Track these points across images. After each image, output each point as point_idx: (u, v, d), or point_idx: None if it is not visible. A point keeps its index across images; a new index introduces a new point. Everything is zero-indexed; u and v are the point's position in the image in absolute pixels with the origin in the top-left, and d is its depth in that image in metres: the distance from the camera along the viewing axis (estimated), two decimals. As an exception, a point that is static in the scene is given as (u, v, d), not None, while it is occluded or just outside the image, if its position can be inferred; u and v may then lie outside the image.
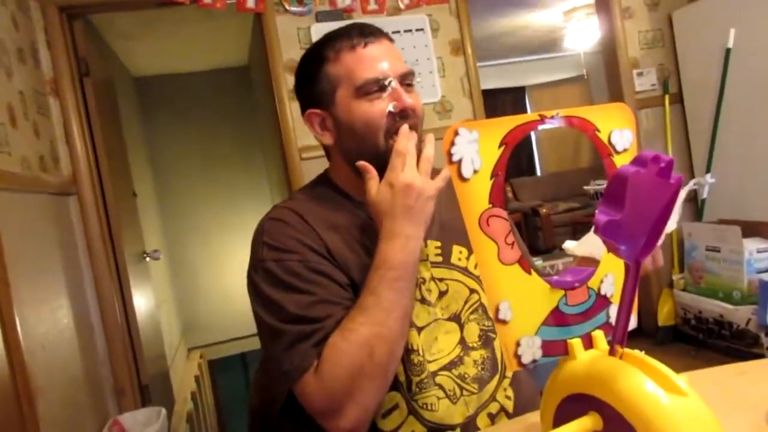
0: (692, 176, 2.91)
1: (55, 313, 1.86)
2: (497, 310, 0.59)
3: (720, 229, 2.60)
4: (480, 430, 0.83)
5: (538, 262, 2.88)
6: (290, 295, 0.77)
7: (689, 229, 2.78)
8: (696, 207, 2.94)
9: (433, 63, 2.69)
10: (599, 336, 0.61)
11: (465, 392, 0.84)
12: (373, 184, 0.80)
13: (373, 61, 0.84)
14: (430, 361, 0.84)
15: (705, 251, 2.67)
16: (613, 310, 0.65)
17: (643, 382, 0.49)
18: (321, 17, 2.55)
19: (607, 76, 3.08)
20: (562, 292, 0.62)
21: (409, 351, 0.81)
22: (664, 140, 2.96)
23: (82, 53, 2.36)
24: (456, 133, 0.58)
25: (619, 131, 0.65)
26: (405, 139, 0.79)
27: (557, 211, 5.69)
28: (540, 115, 0.60)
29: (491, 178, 0.59)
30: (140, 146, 4.07)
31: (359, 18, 2.58)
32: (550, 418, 0.59)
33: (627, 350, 0.53)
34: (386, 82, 0.83)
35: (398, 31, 2.63)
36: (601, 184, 4.77)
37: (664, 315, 2.88)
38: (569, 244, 0.85)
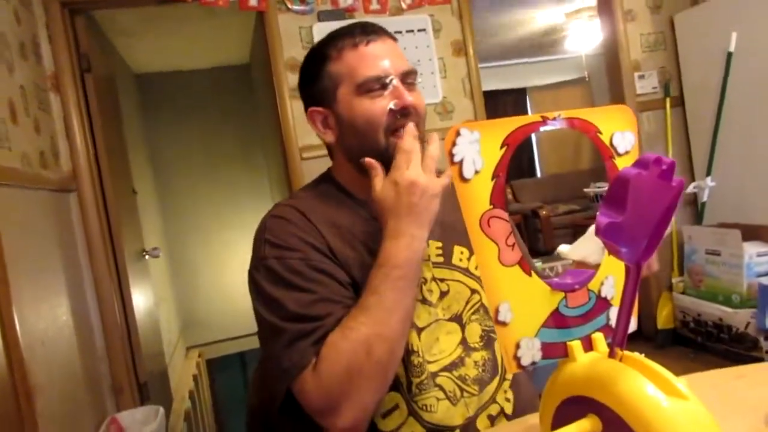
0: (693, 179, 2.91)
1: (54, 310, 1.86)
2: (497, 312, 0.59)
3: (720, 232, 2.60)
4: (479, 432, 0.83)
5: (538, 264, 2.88)
6: (291, 293, 0.77)
7: (689, 232, 2.78)
8: (696, 210, 2.94)
9: (434, 63, 2.69)
10: (599, 338, 0.61)
11: (465, 394, 0.84)
12: (378, 181, 0.79)
13: (375, 59, 0.84)
14: (430, 362, 0.84)
15: (705, 254, 2.67)
16: (613, 313, 0.65)
17: (643, 384, 0.49)
18: (323, 16, 2.55)
19: (609, 79, 3.08)
20: (563, 294, 0.62)
21: (409, 352, 0.81)
22: (665, 143, 2.96)
23: (83, 49, 2.36)
24: (458, 134, 0.57)
25: (621, 133, 0.65)
26: (410, 137, 0.78)
27: (557, 213, 5.69)
28: (542, 117, 0.60)
29: (492, 179, 0.59)
30: (141, 143, 4.07)
31: (361, 18, 2.58)
32: (549, 420, 0.59)
33: (627, 353, 0.53)
34: (387, 80, 0.83)
35: (400, 32, 2.63)
36: (601, 187, 4.77)
37: (664, 318, 2.88)
38: (563, 248, 0.85)
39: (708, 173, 2.80)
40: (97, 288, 2.26)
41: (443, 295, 0.88)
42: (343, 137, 0.88)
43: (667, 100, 2.95)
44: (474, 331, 0.89)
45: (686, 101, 2.96)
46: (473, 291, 0.90)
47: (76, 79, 2.29)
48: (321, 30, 2.50)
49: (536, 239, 5.52)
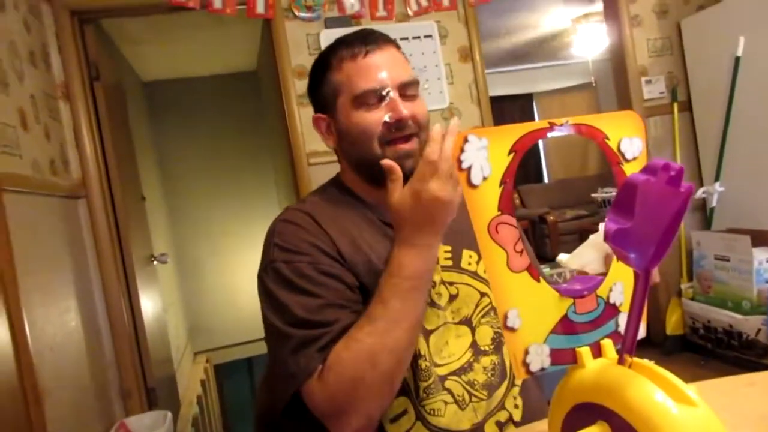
0: (701, 185, 2.89)
1: (63, 315, 1.87)
2: (506, 318, 0.59)
3: (729, 238, 2.59)
4: (487, 438, 0.83)
5: (546, 269, 2.87)
6: (299, 297, 0.77)
7: (698, 237, 2.77)
8: (705, 216, 2.93)
9: (441, 69, 2.69)
10: (608, 345, 0.60)
11: (474, 398, 0.84)
12: (397, 188, 0.75)
13: (373, 70, 0.85)
14: (439, 365, 0.84)
15: (714, 260, 2.65)
16: (622, 319, 0.65)
17: (652, 391, 0.48)
18: (330, 23, 2.57)
19: (616, 84, 3.08)
20: (571, 300, 0.62)
21: (416, 356, 0.81)
22: (673, 148, 2.95)
23: (92, 57, 2.38)
24: (466, 140, 0.58)
25: (629, 139, 0.65)
26: (436, 145, 0.70)
27: (565, 218, 5.67)
28: (550, 123, 0.60)
29: (500, 186, 0.59)
30: (149, 150, 4.10)
31: (367, 24, 2.59)
32: (558, 427, 0.58)
33: (636, 359, 0.52)
34: (384, 93, 0.84)
35: (406, 38, 2.64)
36: (609, 192, 4.75)
37: (673, 324, 2.86)
38: (563, 257, 0.85)
39: (717, 178, 2.78)
40: (106, 293, 2.27)
41: (452, 298, 0.88)
42: (342, 144, 0.90)
43: (675, 105, 2.94)
44: (485, 334, 0.89)
45: (694, 106, 2.95)
46: (483, 294, 0.90)
47: (86, 87, 2.32)
48: (328, 37, 2.51)
49: (543, 245, 5.50)
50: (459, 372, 0.85)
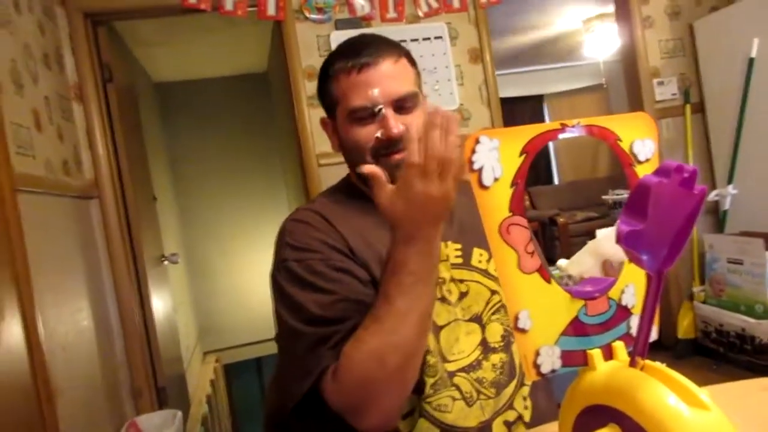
0: (714, 187, 2.87)
1: (75, 314, 1.88)
2: (517, 319, 0.59)
3: (742, 241, 2.56)
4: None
5: (555, 272, 2.86)
6: (311, 295, 0.78)
7: (711, 240, 2.74)
8: (718, 218, 2.90)
9: (451, 71, 2.69)
10: (620, 347, 0.60)
11: (482, 396, 0.84)
12: (383, 190, 0.69)
13: (365, 87, 0.84)
14: (449, 361, 0.84)
15: (726, 263, 2.62)
16: (634, 321, 0.64)
17: (664, 394, 0.48)
18: (340, 25, 2.57)
19: (627, 86, 3.06)
20: (582, 302, 0.62)
21: (424, 352, 0.81)
22: (685, 150, 2.93)
23: (105, 59, 2.40)
24: (477, 141, 0.58)
25: (641, 141, 0.64)
26: (414, 145, 0.65)
27: (575, 220, 5.64)
28: (561, 124, 0.60)
29: (511, 187, 0.59)
30: (160, 151, 4.13)
31: (378, 26, 2.60)
32: (569, 429, 0.58)
33: (648, 362, 0.52)
34: (376, 110, 0.84)
35: (417, 39, 2.64)
36: (619, 194, 4.72)
37: (684, 328, 2.83)
38: (562, 263, 0.85)
39: (730, 181, 2.76)
40: (118, 293, 2.29)
41: (462, 295, 0.89)
42: (342, 150, 0.93)
43: (687, 106, 2.91)
44: (495, 331, 0.89)
45: (707, 108, 2.93)
46: (493, 292, 0.91)
47: (99, 88, 2.34)
48: (338, 38, 2.52)
49: (553, 247, 5.47)
50: (468, 369, 0.85)
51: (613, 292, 0.64)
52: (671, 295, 2.90)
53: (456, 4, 2.67)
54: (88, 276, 2.09)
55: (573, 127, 0.61)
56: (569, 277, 0.89)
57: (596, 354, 0.58)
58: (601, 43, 5.19)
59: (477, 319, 0.88)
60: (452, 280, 0.88)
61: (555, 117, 7.01)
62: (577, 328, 0.61)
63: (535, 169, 6.94)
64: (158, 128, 4.28)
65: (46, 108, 1.91)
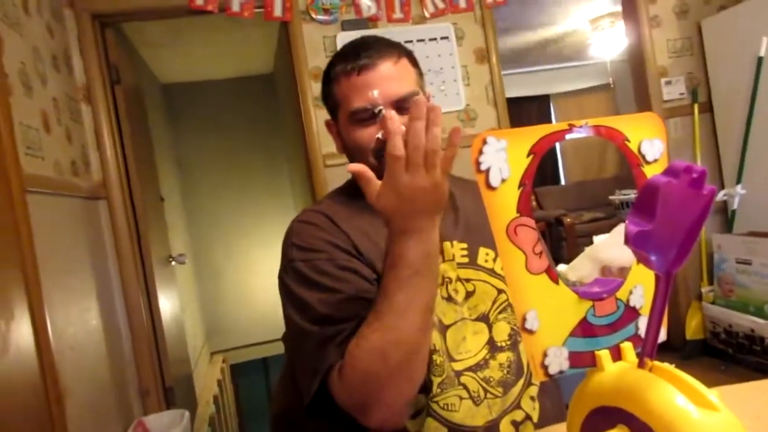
0: (722, 187, 2.85)
1: (83, 315, 1.90)
2: (524, 320, 0.59)
3: (751, 241, 2.55)
4: (502, 437, 0.83)
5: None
6: (318, 294, 0.79)
7: (719, 241, 2.72)
8: (726, 218, 2.88)
9: (457, 71, 2.69)
10: (628, 348, 0.60)
11: (489, 395, 0.85)
12: (372, 187, 0.68)
13: (365, 89, 0.86)
14: (456, 361, 0.84)
15: (735, 264, 2.61)
16: (642, 322, 0.64)
17: (673, 395, 0.48)
18: (347, 26, 2.58)
19: (635, 85, 3.04)
20: (590, 302, 0.61)
21: (430, 351, 0.82)
22: (693, 150, 2.91)
23: (113, 61, 2.42)
24: (484, 142, 0.57)
25: (650, 141, 0.64)
26: (397, 138, 0.64)
27: (582, 220, 5.62)
28: (569, 124, 0.60)
29: (519, 188, 0.59)
30: (167, 152, 4.15)
31: (384, 27, 2.60)
32: (577, 430, 0.58)
33: (657, 363, 0.52)
34: (376, 111, 0.85)
35: (423, 40, 2.64)
36: (627, 194, 4.70)
37: (693, 328, 2.81)
38: (561, 268, 0.85)
39: (738, 181, 2.74)
40: (125, 293, 2.31)
41: (469, 295, 0.89)
42: (345, 152, 0.94)
43: (695, 106, 2.90)
44: (502, 330, 0.89)
45: (715, 107, 2.91)
46: (500, 291, 0.91)
47: (106, 90, 2.36)
48: (345, 39, 2.49)
49: (560, 247, 5.45)
50: (475, 368, 0.85)
51: (621, 293, 0.63)
52: (680, 295, 2.88)
53: (462, 4, 2.66)
54: (97, 276, 2.10)
55: (581, 127, 0.61)
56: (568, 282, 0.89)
57: (604, 355, 0.58)
58: (608, 43, 5.18)
59: (484, 318, 0.88)
60: (459, 279, 0.89)
61: (562, 117, 6.99)
62: (585, 329, 0.61)
63: (542, 169, 6.92)
64: (165, 129, 4.30)
65: (54, 109, 1.93)
